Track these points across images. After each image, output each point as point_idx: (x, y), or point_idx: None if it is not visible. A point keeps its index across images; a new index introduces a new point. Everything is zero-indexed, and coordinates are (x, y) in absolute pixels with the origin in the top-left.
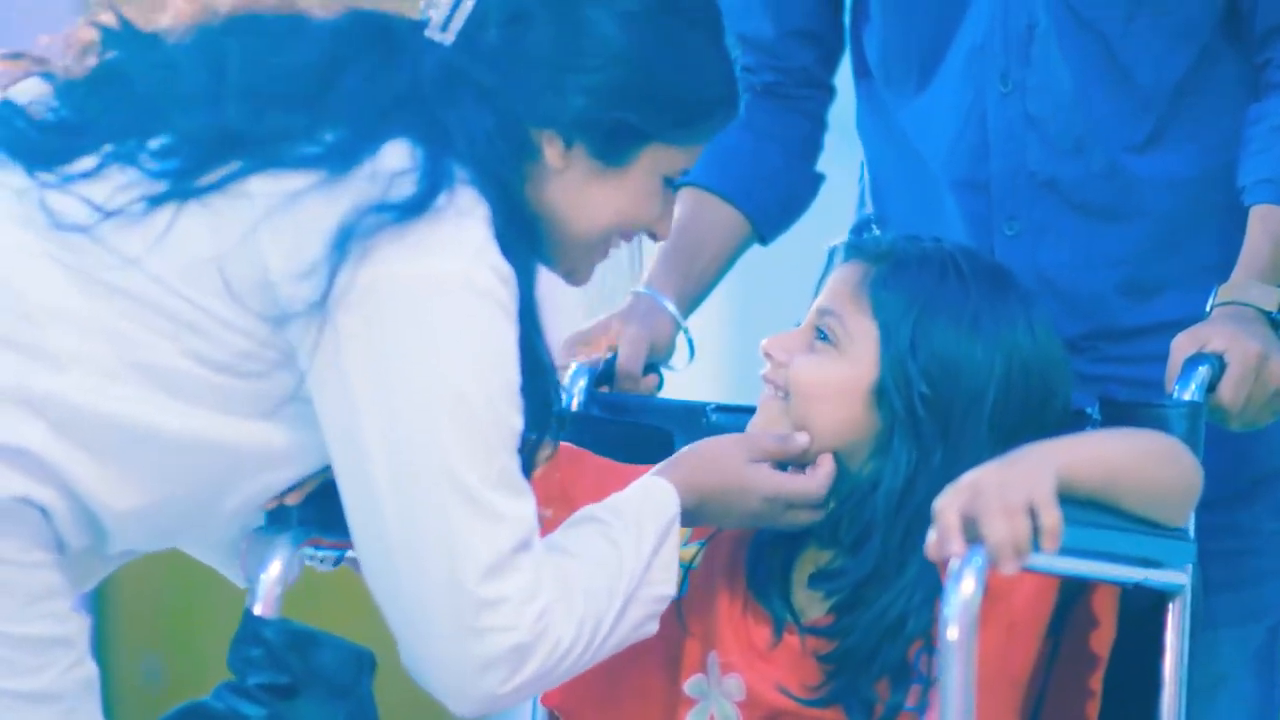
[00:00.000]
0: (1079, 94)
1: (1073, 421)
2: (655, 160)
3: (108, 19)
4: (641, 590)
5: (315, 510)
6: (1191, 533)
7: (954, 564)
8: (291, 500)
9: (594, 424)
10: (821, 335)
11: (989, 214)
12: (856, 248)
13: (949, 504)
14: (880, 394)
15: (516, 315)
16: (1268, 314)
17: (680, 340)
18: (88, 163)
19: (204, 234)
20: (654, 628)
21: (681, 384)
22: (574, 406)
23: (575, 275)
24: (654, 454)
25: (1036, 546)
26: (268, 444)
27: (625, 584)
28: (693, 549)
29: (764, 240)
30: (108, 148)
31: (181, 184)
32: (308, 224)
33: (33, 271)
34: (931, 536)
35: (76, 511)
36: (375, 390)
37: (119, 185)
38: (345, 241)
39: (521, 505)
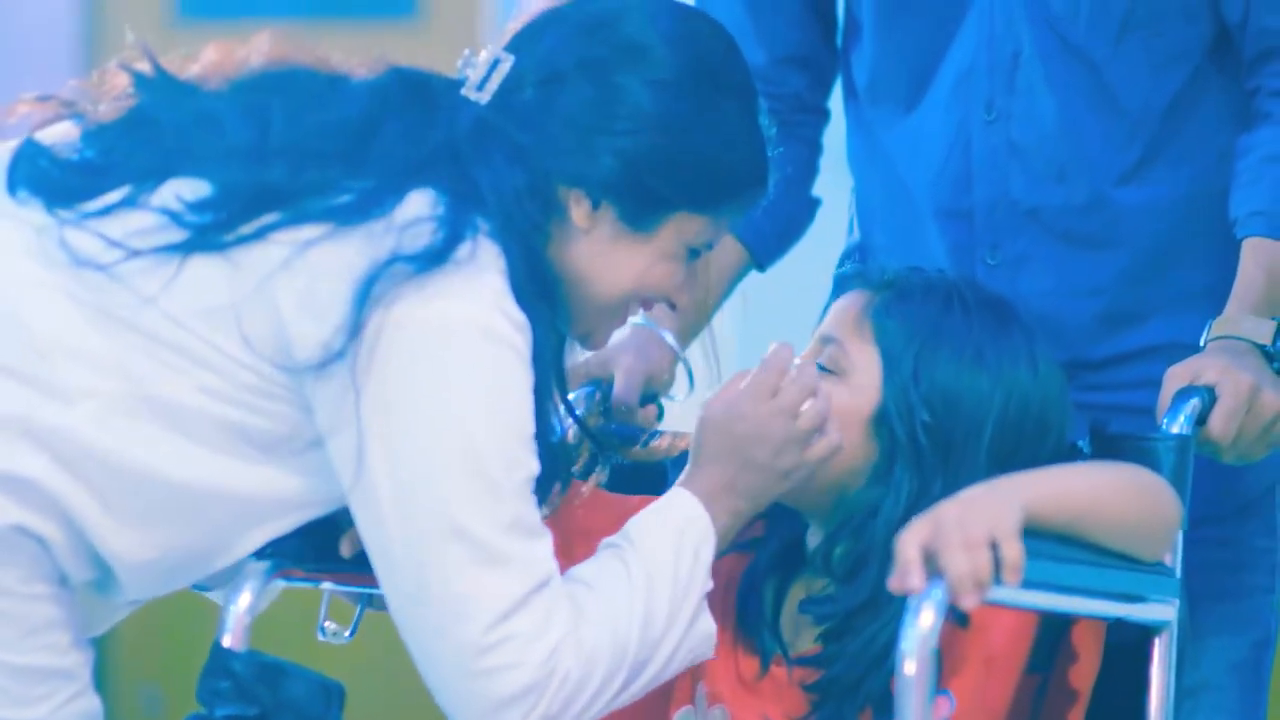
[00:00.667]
0: (1064, 122)
1: (1067, 455)
2: (681, 229)
3: (143, 65)
4: (683, 607)
5: (290, 541)
6: (1178, 569)
7: (912, 598)
8: None
9: None
10: (821, 366)
11: (971, 243)
12: (860, 276)
13: (909, 538)
14: (881, 422)
15: (530, 362)
16: (1262, 347)
17: (680, 371)
18: (109, 200)
19: (220, 281)
20: (710, 626)
21: (683, 415)
22: (569, 438)
23: (591, 339)
24: (645, 487)
25: (999, 580)
26: (276, 490)
27: (649, 606)
28: None
29: (761, 267)
30: (128, 189)
31: (212, 236)
32: (322, 270)
33: (44, 306)
34: (894, 571)
35: (78, 546)
36: (385, 435)
37: (140, 227)
38: (368, 290)
39: (535, 548)
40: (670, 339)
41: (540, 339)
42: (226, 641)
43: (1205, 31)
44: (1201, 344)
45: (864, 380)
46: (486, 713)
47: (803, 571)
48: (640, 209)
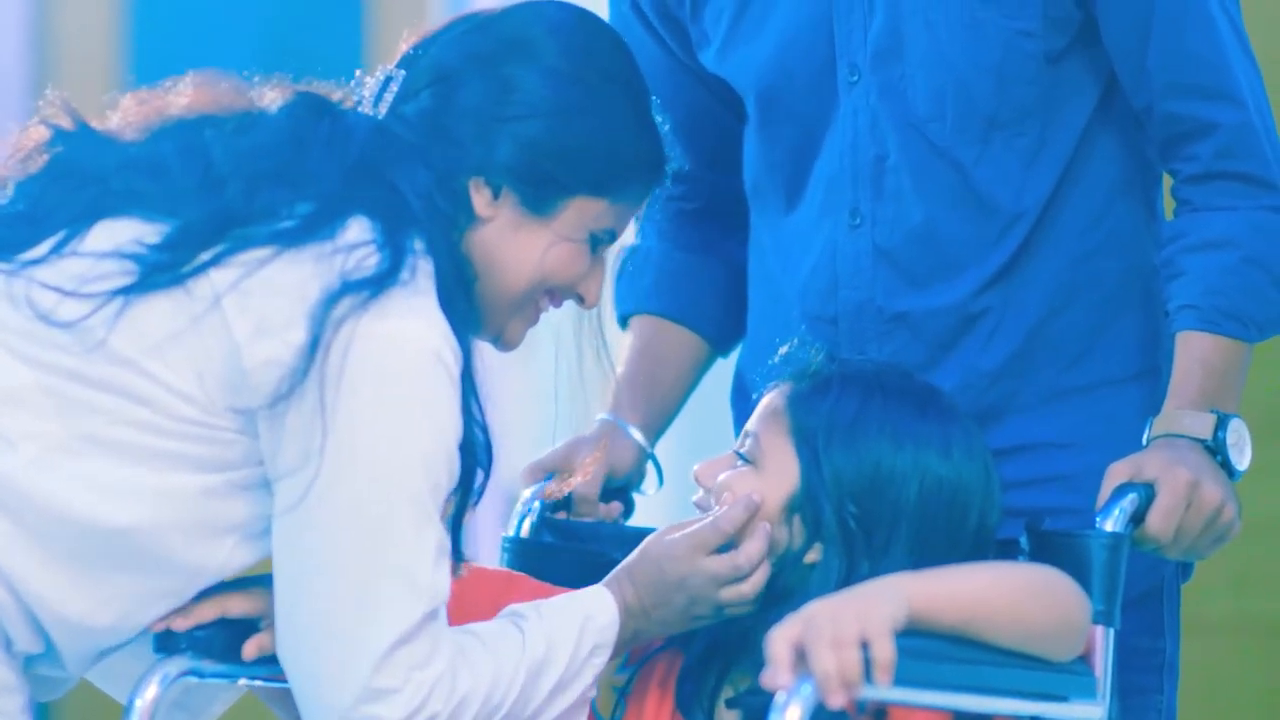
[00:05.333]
0: (931, 226)
1: (1001, 550)
2: (581, 214)
3: (63, 121)
4: (563, 693)
5: (204, 636)
6: (1107, 667)
7: (779, 695)
8: (179, 625)
9: (541, 550)
10: (741, 456)
11: (837, 348)
12: (783, 369)
13: (780, 634)
14: (798, 509)
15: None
16: (1203, 441)
17: (649, 465)
18: (46, 248)
19: (171, 311)
20: None
21: (651, 508)
22: (524, 532)
23: (504, 338)
24: (598, 581)
25: (871, 680)
26: (220, 518)
27: (532, 681)
28: (627, 674)
29: (724, 353)
30: (63, 234)
31: (170, 271)
32: (274, 288)
33: None
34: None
35: (19, 606)
36: (338, 450)
37: (84, 273)
38: (325, 313)
39: (440, 575)
40: (636, 434)
41: (466, 347)
42: None
43: (1075, 125)
44: (1144, 442)
45: (777, 470)
46: None
47: (739, 664)
48: (539, 193)
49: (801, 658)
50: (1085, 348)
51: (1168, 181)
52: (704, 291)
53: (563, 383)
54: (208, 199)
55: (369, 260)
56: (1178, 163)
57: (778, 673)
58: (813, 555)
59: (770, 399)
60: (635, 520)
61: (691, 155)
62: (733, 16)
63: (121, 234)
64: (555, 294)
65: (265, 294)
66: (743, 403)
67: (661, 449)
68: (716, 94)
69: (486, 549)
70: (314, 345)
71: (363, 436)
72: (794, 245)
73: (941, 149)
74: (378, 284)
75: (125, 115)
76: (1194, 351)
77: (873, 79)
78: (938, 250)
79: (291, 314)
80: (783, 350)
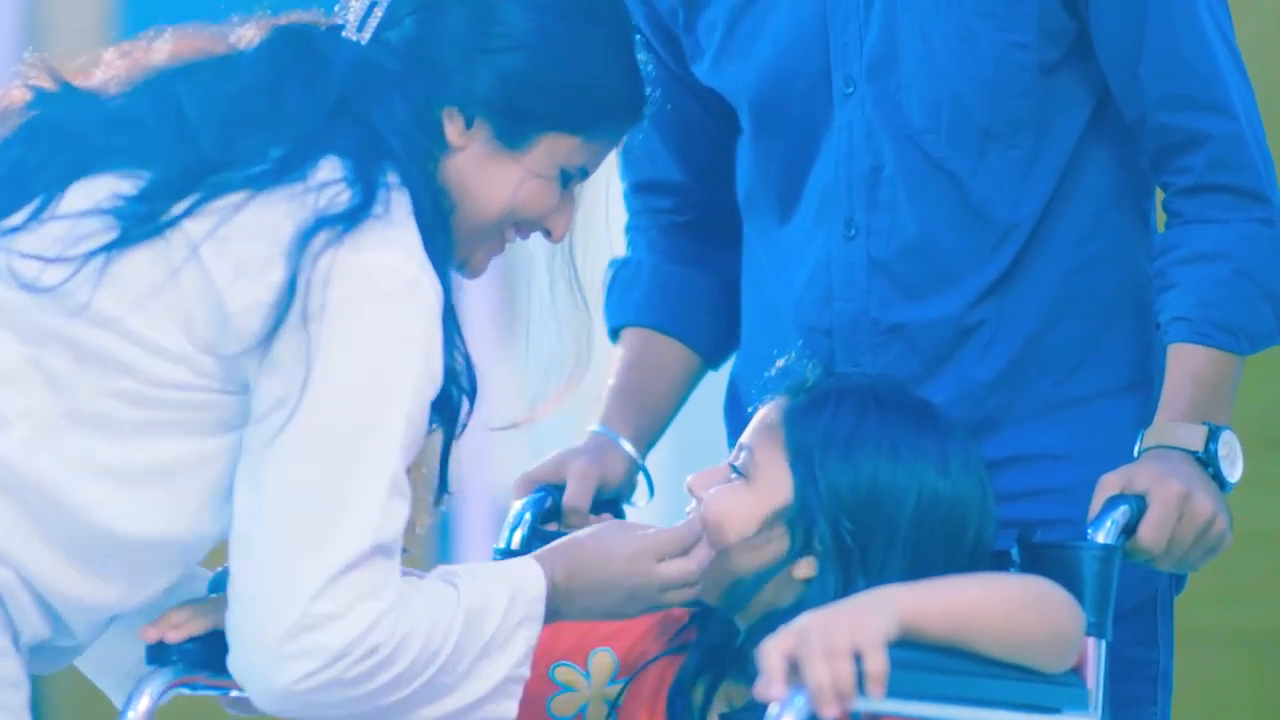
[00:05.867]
0: (926, 237)
1: (993, 562)
2: (553, 149)
3: (44, 82)
4: (491, 658)
5: (195, 648)
6: (1099, 679)
7: (773, 708)
8: (171, 637)
9: None
10: (735, 470)
11: (831, 360)
12: (780, 383)
13: (774, 646)
14: (791, 524)
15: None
16: (1195, 453)
17: (640, 477)
18: (27, 213)
19: (150, 263)
20: (510, 710)
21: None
22: (515, 544)
23: (469, 265)
24: None
25: (864, 691)
26: (209, 473)
27: (464, 636)
28: (619, 686)
29: (715, 366)
30: (42, 198)
31: (148, 224)
32: (250, 232)
33: None
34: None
35: (26, 589)
36: (315, 380)
37: (64, 235)
38: (301, 249)
39: (401, 510)
40: (627, 445)
41: (446, 277)
42: None
43: (1069, 136)
44: (1135, 454)
45: (770, 484)
46: (285, 653)
47: (728, 676)
48: (513, 126)
49: (794, 669)
50: (1080, 359)
51: (1161, 195)
52: (696, 304)
53: (534, 312)
54: (183, 149)
55: (341, 197)
56: (1169, 175)
57: (771, 684)
58: (807, 570)
59: (765, 413)
60: None
61: (683, 168)
62: (726, 28)
63: (99, 191)
64: (522, 226)
65: (241, 239)
66: (736, 414)
67: (652, 461)
68: (709, 106)
69: (478, 560)
70: (292, 281)
71: (341, 366)
72: (788, 256)
73: (937, 160)
74: (351, 218)
75: (109, 70)
76: (1186, 364)
77: (868, 90)
78: (933, 262)
79: (269, 255)
80: (779, 364)
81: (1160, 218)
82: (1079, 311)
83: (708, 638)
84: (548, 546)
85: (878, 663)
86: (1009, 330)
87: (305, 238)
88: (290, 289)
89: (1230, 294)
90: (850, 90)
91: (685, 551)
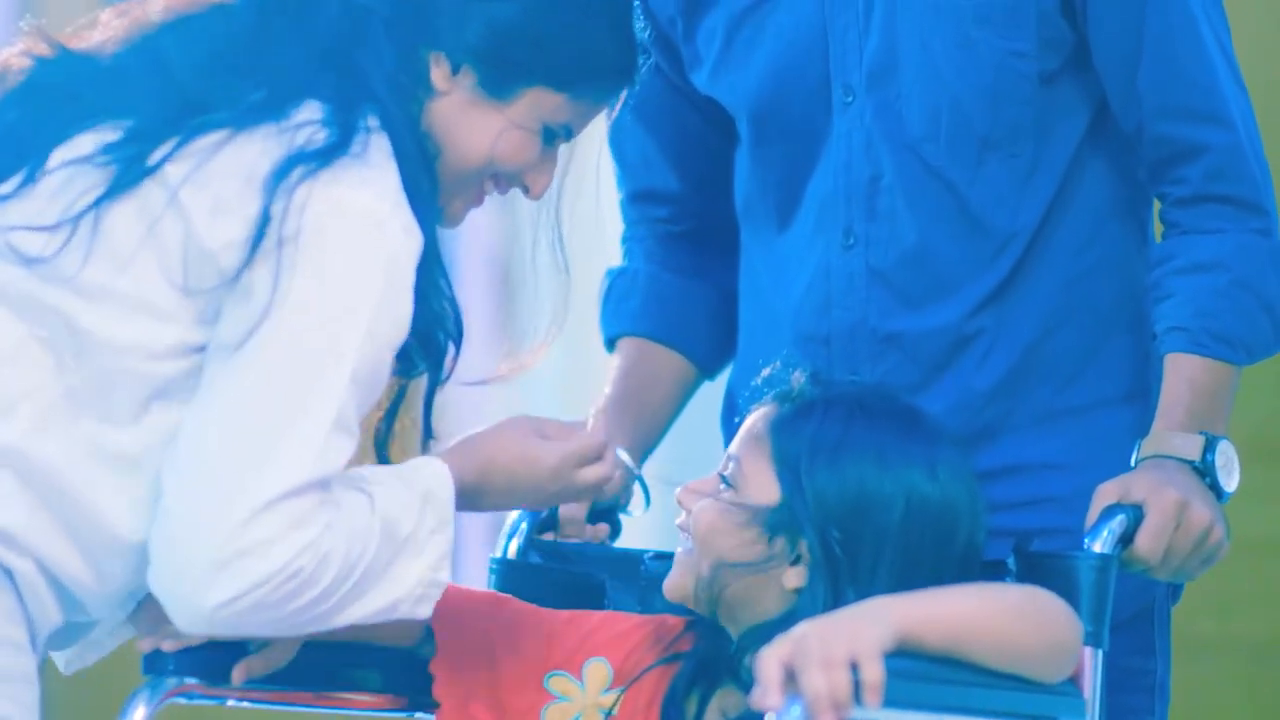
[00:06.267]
0: (924, 246)
1: (988, 571)
2: (538, 103)
3: (40, 48)
4: (405, 562)
5: (191, 657)
6: (1096, 689)
7: (769, 717)
8: (168, 647)
9: (528, 571)
10: (724, 480)
11: (830, 369)
12: (767, 391)
13: (771, 655)
14: (779, 533)
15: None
16: (1191, 463)
17: (636, 487)
18: (14, 182)
19: (132, 215)
20: (426, 611)
21: (638, 529)
22: (511, 553)
23: (446, 214)
24: (585, 602)
25: (860, 701)
26: None
27: (378, 543)
28: (614, 695)
29: (711, 376)
30: (32, 163)
31: (134, 168)
32: (226, 173)
33: None
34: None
35: (43, 576)
36: (279, 305)
37: (52, 191)
38: (275, 185)
39: (346, 447)
40: (624, 455)
41: (432, 221)
42: None
43: (1068, 145)
44: (1132, 463)
45: (757, 494)
46: (211, 570)
47: (724, 682)
48: (499, 76)
49: (791, 678)
50: (1078, 369)
51: (1157, 206)
52: (692, 314)
53: (516, 269)
54: (167, 95)
55: (318, 135)
56: (1167, 185)
57: (768, 693)
58: (797, 580)
59: (752, 422)
60: (622, 541)
61: (680, 177)
62: (725, 37)
63: (86, 145)
64: (501, 180)
65: (220, 178)
66: (732, 423)
67: (649, 469)
68: (707, 116)
69: (475, 569)
70: (266, 212)
71: (303, 295)
72: (787, 265)
73: (936, 169)
74: (326, 156)
75: (106, 31)
76: (1183, 373)
77: (868, 99)
78: (931, 271)
79: (245, 192)
80: (765, 372)
81: (1156, 229)
82: (1077, 321)
83: (701, 647)
84: (455, 444)
85: (874, 672)
86: (1007, 340)
87: (281, 173)
88: (264, 219)
89: (1229, 304)
90: (850, 99)
91: (600, 455)
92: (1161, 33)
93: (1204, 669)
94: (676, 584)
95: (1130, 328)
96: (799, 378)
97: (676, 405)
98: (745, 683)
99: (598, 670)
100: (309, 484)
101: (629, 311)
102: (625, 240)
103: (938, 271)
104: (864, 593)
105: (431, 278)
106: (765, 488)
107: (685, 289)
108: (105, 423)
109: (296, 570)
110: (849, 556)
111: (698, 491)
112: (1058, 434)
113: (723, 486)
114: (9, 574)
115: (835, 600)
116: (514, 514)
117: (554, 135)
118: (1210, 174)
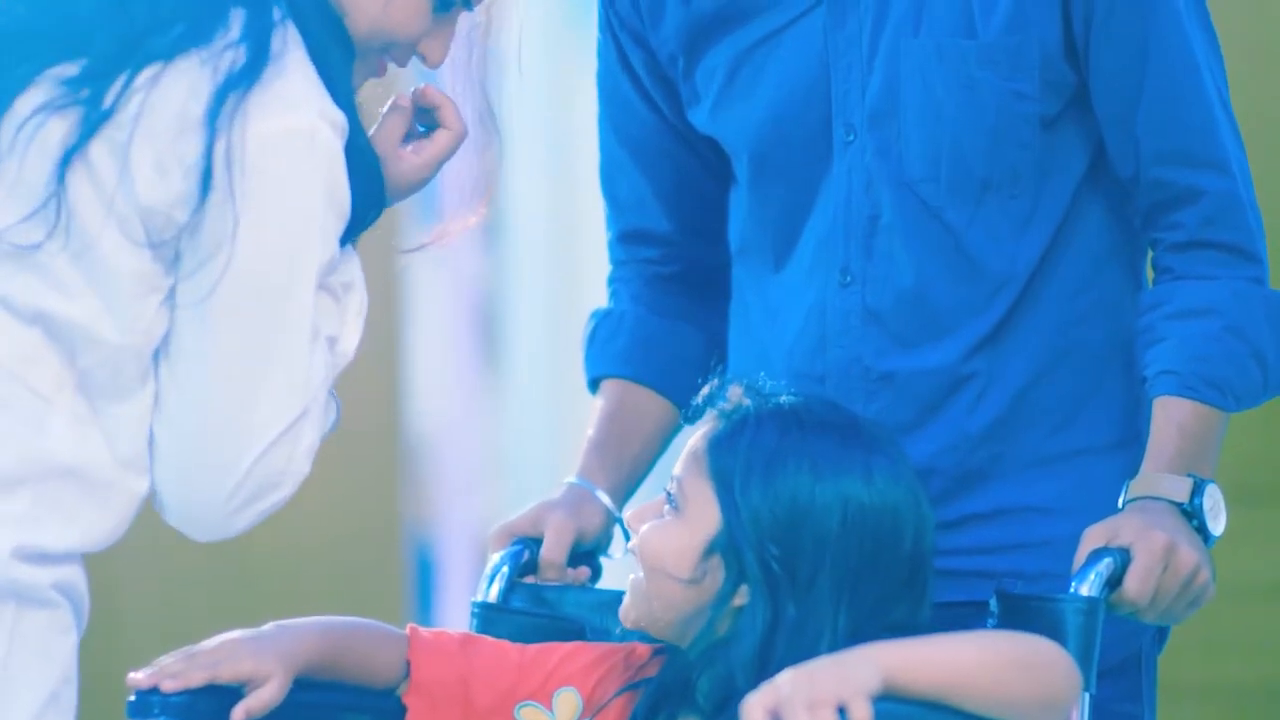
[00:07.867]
0: (921, 287)
1: (970, 611)
2: None
3: None
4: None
5: (181, 703)
6: None
7: None
8: (168, 686)
9: (504, 617)
10: (670, 501)
11: None
12: (706, 409)
13: (756, 702)
14: (721, 552)
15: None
16: (1180, 505)
17: (616, 529)
18: None
19: (90, 193)
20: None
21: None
22: (493, 597)
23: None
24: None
25: None
26: None
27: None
28: None
29: (692, 421)
30: None
31: (96, 110)
32: (162, 118)
33: None
34: None
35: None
36: (244, 244)
37: (21, 163)
38: (211, 132)
39: (317, 363)
40: (604, 498)
41: (344, 93)
42: None
43: (1066, 190)
44: (1120, 505)
45: (698, 515)
46: (235, 519)
47: (686, 711)
48: None
49: None
50: (1070, 414)
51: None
52: (678, 357)
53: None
54: (115, 24)
55: (238, 59)
56: (1161, 230)
57: None
58: (742, 599)
59: (693, 442)
60: (603, 584)
61: (672, 218)
62: (726, 75)
63: (45, 90)
64: (396, 51)
65: (158, 129)
66: None
67: (629, 513)
68: (703, 159)
69: (457, 613)
70: (208, 162)
71: (261, 234)
72: (782, 304)
73: (934, 209)
74: (247, 77)
75: None
76: (1172, 416)
77: (869, 139)
78: (927, 312)
79: (181, 142)
80: (704, 391)
81: (1148, 275)
82: (1071, 365)
83: (665, 672)
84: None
85: (861, 712)
86: (1001, 383)
87: (213, 113)
88: (206, 170)
89: (1221, 350)
90: (851, 138)
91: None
92: (1163, 78)
93: (1189, 714)
94: (629, 609)
95: (1123, 373)
96: (736, 392)
97: (658, 448)
98: (701, 707)
99: (568, 700)
100: (303, 413)
101: (614, 353)
102: (612, 281)
103: (933, 313)
104: (805, 606)
105: (356, 140)
106: (706, 508)
107: (671, 331)
108: (118, 401)
109: (305, 474)
110: (787, 572)
111: (644, 516)
112: (1049, 478)
113: (667, 508)
114: (68, 592)
115: (775, 616)
116: (495, 556)
117: (448, 6)
118: (1206, 220)
